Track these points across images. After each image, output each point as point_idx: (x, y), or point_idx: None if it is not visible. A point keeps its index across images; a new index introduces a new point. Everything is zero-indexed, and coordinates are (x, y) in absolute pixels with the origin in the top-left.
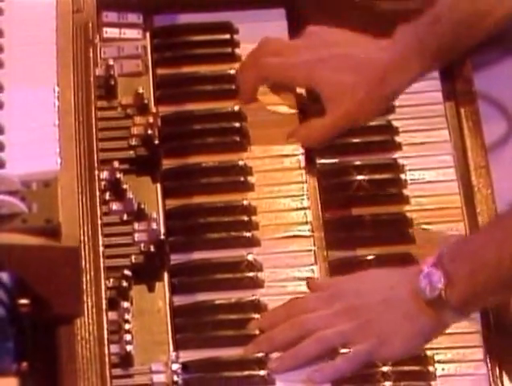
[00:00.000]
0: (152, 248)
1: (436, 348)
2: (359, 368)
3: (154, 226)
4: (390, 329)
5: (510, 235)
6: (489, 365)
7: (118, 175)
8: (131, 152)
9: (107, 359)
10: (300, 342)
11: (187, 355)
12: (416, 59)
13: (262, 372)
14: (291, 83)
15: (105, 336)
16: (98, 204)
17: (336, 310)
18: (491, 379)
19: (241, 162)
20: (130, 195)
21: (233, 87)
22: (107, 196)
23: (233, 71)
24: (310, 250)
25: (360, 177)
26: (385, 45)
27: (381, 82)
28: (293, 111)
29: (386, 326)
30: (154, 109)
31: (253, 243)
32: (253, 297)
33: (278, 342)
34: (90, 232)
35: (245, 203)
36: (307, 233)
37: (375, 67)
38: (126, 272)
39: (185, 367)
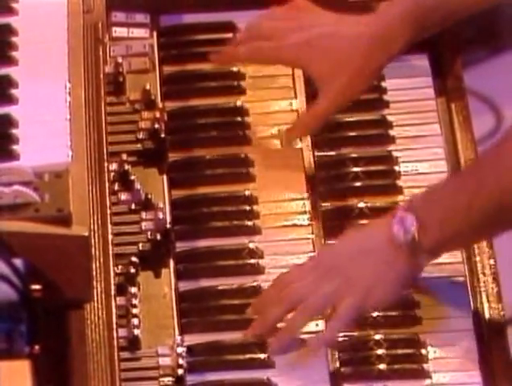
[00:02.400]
0: (158, 237)
1: (429, 332)
2: (351, 324)
3: (160, 215)
4: (370, 279)
5: (482, 185)
6: (478, 348)
7: (126, 167)
8: (139, 145)
9: (115, 343)
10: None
11: (192, 339)
12: (401, 29)
13: (263, 355)
14: (281, 64)
15: (114, 320)
16: (107, 194)
17: (317, 274)
18: (480, 361)
19: (243, 155)
20: (137, 185)
21: (236, 83)
22: (116, 187)
23: (235, 69)
24: (308, 238)
25: (356, 169)
26: (369, 20)
27: (368, 56)
28: (293, 107)
29: (366, 276)
30: (160, 105)
31: (254, 231)
32: (255, 283)
33: (270, 320)
34: (100, 221)
35: (246, 193)
36: (306, 222)
37: (361, 43)
38: (134, 259)
39: (190, 350)
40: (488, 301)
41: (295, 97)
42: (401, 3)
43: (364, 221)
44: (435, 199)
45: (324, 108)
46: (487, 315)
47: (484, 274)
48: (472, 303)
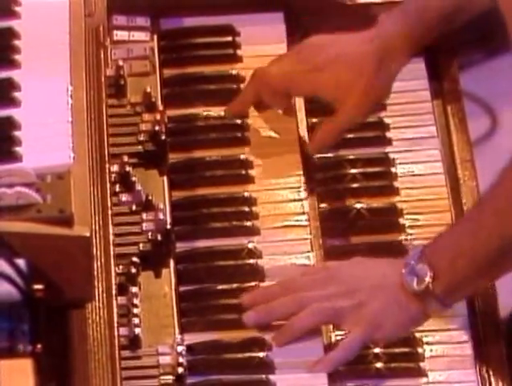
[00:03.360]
0: (159, 237)
1: (425, 331)
2: (354, 356)
3: (161, 216)
4: (381, 313)
5: (481, 228)
6: (474, 347)
7: (128, 168)
8: (140, 147)
9: (116, 341)
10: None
11: (192, 338)
12: (404, 45)
13: (262, 354)
14: (296, 94)
15: (115, 319)
16: (109, 196)
17: (332, 291)
18: (476, 360)
19: (242, 156)
20: (138, 187)
21: (235, 86)
22: (117, 188)
23: (234, 72)
24: (306, 238)
25: (353, 170)
26: (371, 36)
27: (376, 71)
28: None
29: (378, 310)
30: (161, 107)
31: (253, 232)
32: (254, 283)
33: (277, 312)
34: (101, 222)
35: (245, 194)
36: (304, 223)
37: (368, 60)
38: (135, 259)
39: (190, 349)
40: (483, 299)
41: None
42: (403, 19)
43: (360, 222)
44: (444, 245)
45: (339, 126)
46: (482, 315)
47: None
48: (467, 303)
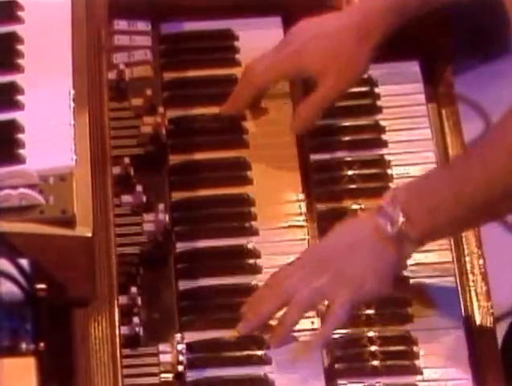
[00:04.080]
0: (159, 237)
1: (420, 329)
2: (346, 319)
3: (161, 217)
4: (361, 270)
5: (468, 178)
6: (468, 344)
7: (129, 170)
8: (141, 149)
9: (118, 340)
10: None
11: (192, 336)
12: (384, 14)
13: (260, 352)
14: (282, 78)
15: (116, 318)
16: (110, 197)
17: (307, 270)
18: (470, 357)
19: (241, 158)
20: (139, 188)
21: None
22: (118, 190)
23: (233, 75)
24: (304, 239)
25: (350, 172)
26: (350, 12)
27: (352, 47)
28: (289, 110)
29: (357, 268)
30: (161, 110)
31: (252, 232)
32: (253, 283)
33: (264, 314)
34: (103, 223)
35: (244, 195)
36: (302, 223)
37: (349, 31)
38: (136, 259)
39: (189, 347)
40: (477, 299)
41: (292, 101)
42: None
43: None
44: (422, 190)
45: (320, 98)
46: (476, 313)
47: (473, 274)
48: (461, 302)
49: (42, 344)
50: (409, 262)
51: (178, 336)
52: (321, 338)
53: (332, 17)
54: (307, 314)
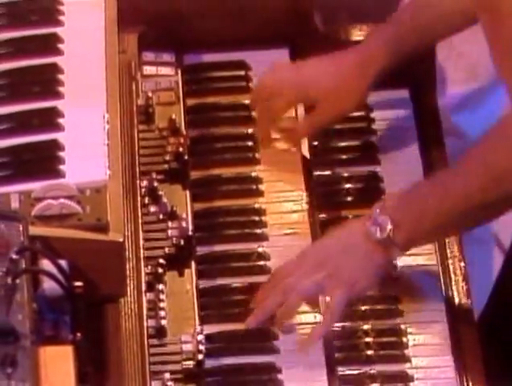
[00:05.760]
0: (182, 242)
1: (409, 323)
2: (343, 314)
3: (183, 224)
4: (353, 270)
5: (448, 191)
6: (451, 336)
7: (155, 184)
8: (166, 165)
9: (145, 331)
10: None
11: (210, 328)
12: (381, 54)
13: (269, 343)
14: (292, 102)
15: (144, 312)
16: (139, 207)
17: (307, 266)
18: (452, 347)
19: (253, 174)
20: (164, 199)
21: (247, 114)
22: (146, 200)
23: (247, 101)
24: (307, 244)
25: (348, 185)
26: (355, 49)
27: (357, 78)
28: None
29: (351, 268)
30: (184, 132)
31: (262, 238)
32: (263, 281)
33: (268, 308)
34: (132, 229)
35: (256, 206)
36: (306, 231)
37: (350, 68)
38: (161, 261)
39: (208, 338)
40: (459, 297)
41: (296, 116)
42: (380, 33)
43: None
44: (408, 201)
45: (317, 120)
46: (458, 309)
47: (455, 274)
48: (445, 299)
49: (79, 334)
50: (399, 264)
51: (198, 328)
52: (322, 330)
53: (340, 53)
54: (309, 309)
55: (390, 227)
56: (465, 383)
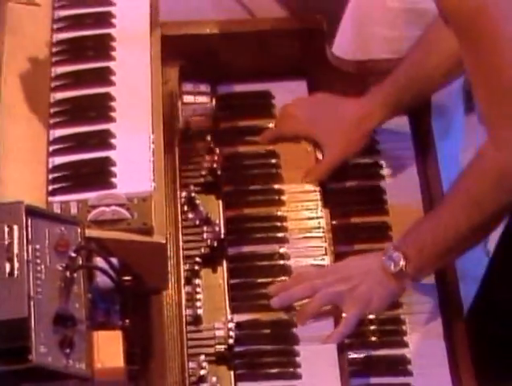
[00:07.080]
0: (215, 244)
1: (408, 313)
2: (354, 328)
3: (217, 229)
4: (370, 293)
5: (439, 223)
6: (444, 325)
7: (193, 194)
8: (202, 179)
9: (184, 319)
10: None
11: (240, 317)
12: (380, 109)
13: (289, 330)
14: (300, 136)
15: (183, 303)
16: (179, 213)
17: (332, 278)
18: (444, 334)
19: (276, 187)
20: (201, 207)
21: (271, 149)
22: (185, 208)
23: (271, 125)
24: (322, 246)
25: (356, 197)
26: (357, 102)
27: (356, 128)
28: (310, 157)
29: (367, 290)
30: (217, 151)
31: (283, 241)
32: (284, 278)
33: (295, 296)
34: (173, 232)
35: (278, 214)
36: (321, 234)
37: (353, 118)
38: (198, 259)
39: (238, 325)
40: (450, 292)
41: (311, 150)
42: (382, 87)
43: (362, 234)
44: (412, 237)
45: (327, 165)
46: (449, 302)
47: (446, 273)
48: (438, 294)
49: (127, 321)
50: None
51: (229, 317)
52: (335, 338)
53: (347, 102)
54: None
55: (402, 262)
56: (454, 364)
